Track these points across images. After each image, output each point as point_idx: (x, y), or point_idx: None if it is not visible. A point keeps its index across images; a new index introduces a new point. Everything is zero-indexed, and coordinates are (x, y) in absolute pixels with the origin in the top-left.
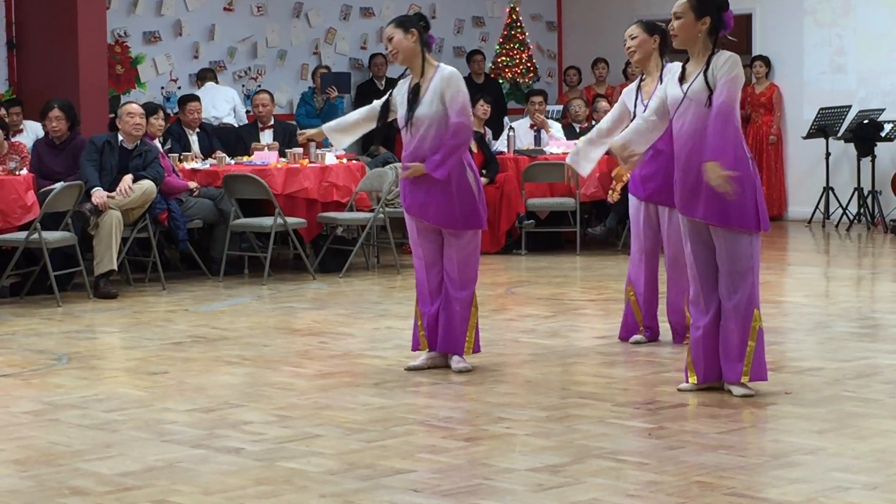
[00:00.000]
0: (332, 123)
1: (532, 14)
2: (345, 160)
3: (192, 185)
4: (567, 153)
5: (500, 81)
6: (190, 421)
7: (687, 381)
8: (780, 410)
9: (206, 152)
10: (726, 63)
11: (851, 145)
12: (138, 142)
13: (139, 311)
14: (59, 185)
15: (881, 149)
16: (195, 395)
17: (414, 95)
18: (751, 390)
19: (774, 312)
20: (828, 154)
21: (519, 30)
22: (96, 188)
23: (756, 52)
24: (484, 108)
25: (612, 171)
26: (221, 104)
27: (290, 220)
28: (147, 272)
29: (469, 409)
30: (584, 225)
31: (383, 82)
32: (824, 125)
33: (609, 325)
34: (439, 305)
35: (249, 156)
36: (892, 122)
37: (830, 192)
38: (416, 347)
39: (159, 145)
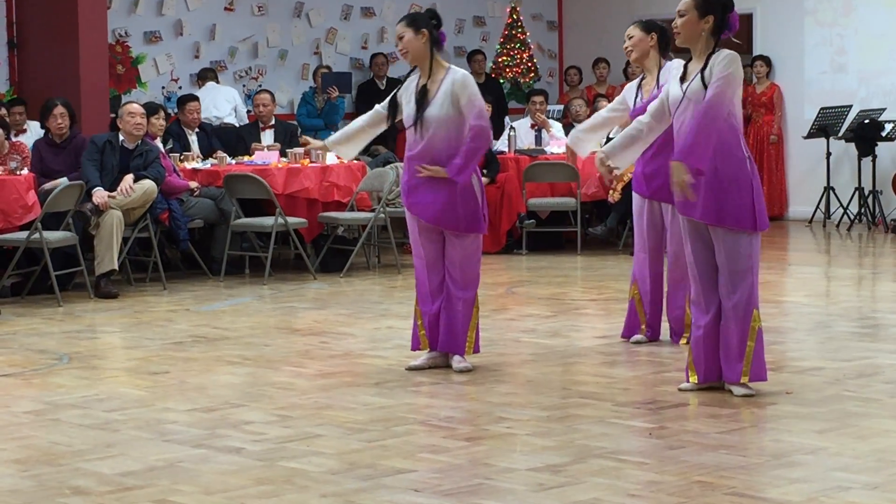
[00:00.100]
0: (336, 136)
1: (533, 14)
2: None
3: (193, 184)
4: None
5: (501, 81)
6: (191, 421)
7: (688, 381)
8: (780, 410)
9: (206, 152)
10: (723, 61)
11: (852, 145)
12: (139, 142)
13: (140, 310)
14: (63, 181)
15: (882, 148)
16: (196, 395)
17: (422, 96)
18: (751, 390)
19: (775, 312)
20: (828, 154)
21: (520, 29)
22: (97, 188)
23: (757, 51)
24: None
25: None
26: (222, 104)
27: (290, 219)
28: (148, 272)
29: (470, 409)
30: (584, 225)
31: (384, 82)
32: (825, 125)
33: (610, 325)
34: (440, 305)
35: (250, 156)
36: (893, 121)
37: (831, 191)
38: (415, 347)
39: (160, 145)
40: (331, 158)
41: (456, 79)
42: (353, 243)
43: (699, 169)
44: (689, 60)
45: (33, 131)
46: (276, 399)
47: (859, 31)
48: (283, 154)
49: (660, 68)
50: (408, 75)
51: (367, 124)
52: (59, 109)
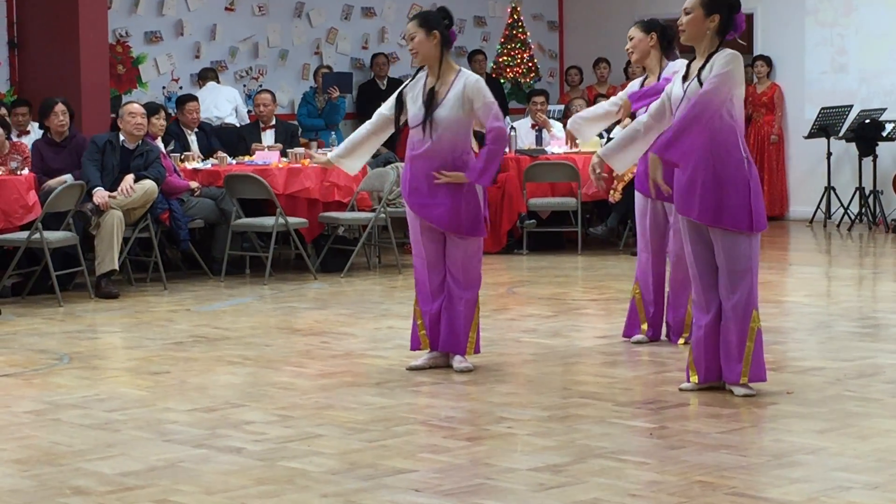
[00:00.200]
0: (339, 150)
1: (533, 14)
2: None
3: (194, 184)
4: (568, 153)
5: (502, 81)
6: (191, 421)
7: (688, 381)
8: (781, 410)
9: (205, 152)
10: (724, 59)
11: (853, 145)
12: (140, 142)
13: (141, 310)
14: (68, 177)
15: (882, 148)
16: (197, 395)
17: (431, 97)
18: (752, 390)
19: (776, 312)
20: (829, 154)
21: (520, 29)
22: (98, 188)
23: (757, 51)
24: None
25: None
26: (223, 104)
27: (291, 219)
28: (148, 272)
29: (471, 409)
30: (585, 225)
31: (385, 82)
32: (826, 125)
33: (610, 325)
34: (440, 305)
35: (251, 156)
36: (894, 121)
37: (832, 191)
38: (415, 347)
39: (161, 145)
40: None
41: (468, 82)
42: (353, 243)
43: (674, 162)
44: (692, 60)
45: (36, 132)
46: (276, 399)
47: (860, 31)
48: (283, 154)
49: (662, 67)
50: (415, 74)
51: (372, 131)
52: (60, 107)
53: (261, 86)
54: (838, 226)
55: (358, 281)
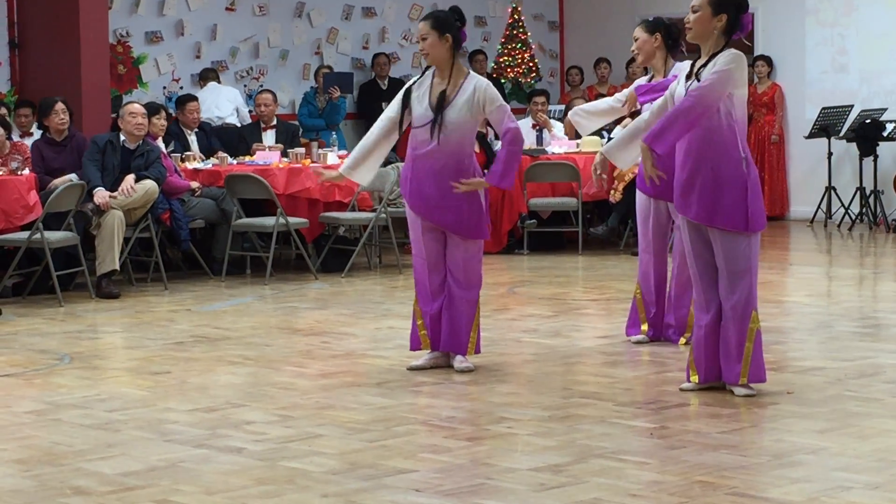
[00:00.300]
0: (349, 162)
1: (534, 14)
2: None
3: (195, 184)
4: (569, 153)
5: (503, 81)
6: (192, 421)
7: (689, 381)
8: (781, 410)
9: (205, 152)
10: (726, 57)
11: (853, 145)
12: (140, 142)
13: (141, 310)
14: (72, 176)
15: (883, 148)
16: (197, 395)
17: (441, 98)
18: (752, 390)
19: (776, 312)
20: (830, 154)
21: (521, 29)
22: (98, 188)
23: (758, 51)
24: None
25: (613, 171)
26: (224, 104)
27: (292, 219)
28: (149, 272)
29: (471, 409)
30: (586, 225)
31: (386, 82)
32: (826, 125)
33: (611, 325)
34: (441, 304)
35: (251, 156)
36: (894, 121)
37: (832, 191)
38: (415, 347)
39: (161, 145)
40: (332, 159)
41: (479, 85)
42: (354, 243)
43: (658, 154)
44: (697, 59)
45: (37, 132)
46: (277, 399)
47: (860, 31)
48: (284, 154)
49: (668, 67)
50: (422, 74)
51: (381, 136)
52: (60, 106)
53: (261, 86)
54: (839, 226)
55: (358, 281)
